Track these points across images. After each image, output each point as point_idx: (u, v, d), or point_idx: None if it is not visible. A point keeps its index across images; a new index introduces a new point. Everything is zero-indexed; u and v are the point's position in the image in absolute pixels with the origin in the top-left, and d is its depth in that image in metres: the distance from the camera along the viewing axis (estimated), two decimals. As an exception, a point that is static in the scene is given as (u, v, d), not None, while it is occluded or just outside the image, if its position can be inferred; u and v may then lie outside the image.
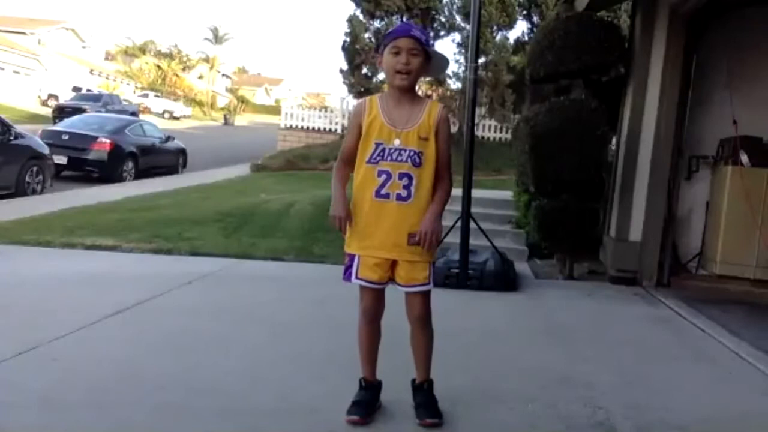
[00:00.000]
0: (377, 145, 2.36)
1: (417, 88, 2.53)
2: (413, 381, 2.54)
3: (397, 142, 2.36)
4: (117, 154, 12.80)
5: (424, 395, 2.49)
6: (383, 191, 2.36)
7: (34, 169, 9.69)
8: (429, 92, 19.79)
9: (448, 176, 2.47)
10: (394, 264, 2.41)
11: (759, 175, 5.34)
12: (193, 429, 2.42)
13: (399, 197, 2.35)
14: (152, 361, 3.07)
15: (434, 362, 2.51)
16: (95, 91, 33.79)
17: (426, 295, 2.46)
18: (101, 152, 12.55)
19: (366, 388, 2.52)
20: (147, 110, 34.53)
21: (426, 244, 2.35)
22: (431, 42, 2.45)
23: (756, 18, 5.47)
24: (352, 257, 2.43)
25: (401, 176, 2.35)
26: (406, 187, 2.36)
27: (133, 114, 25.16)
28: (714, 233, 5.56)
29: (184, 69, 50.39)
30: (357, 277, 2.41)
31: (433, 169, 2.39)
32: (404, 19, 18.79)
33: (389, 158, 2.35)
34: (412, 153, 2.35)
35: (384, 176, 2.36)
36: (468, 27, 14.19)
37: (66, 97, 31.49)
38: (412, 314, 2.46)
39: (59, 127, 14.20)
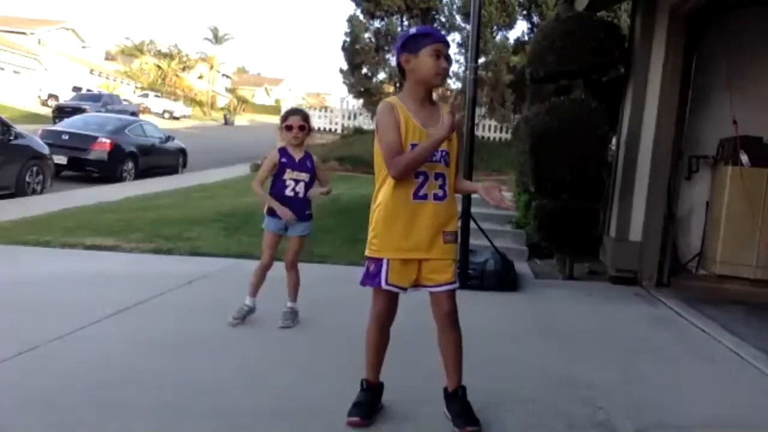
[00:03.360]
0: (413, 146, 2.35)
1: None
2: (445, 389, 2.50)
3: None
4: (117, 154, 12.79)
5: (460, 403, 2.45)
6: (421, 192, 2.38)
7: (34, 169, 9.68)
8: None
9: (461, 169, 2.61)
10: (419, 267, 2.42)
11: (759, 175, 5.34)
12: (193, 429, 2.42)
13: (436, 197, 2.40)
14: (152, 361, 3.07)
15: (433, 362, 2.51)
16: (95, 91, 33.79)
17: (454, 293, 2.48)
18: (101, 152, 12.54)
19: (368, 389, 2.52)
20: (147, 110, 34.52)
21: (497, 194, 2.42)
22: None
23: (756, 18, 5.47)
24: (379, 262, 2.40)
25: (437, 176, 2.39)
26: (442, 187, 2.41)
27: (133, 114, 25.14)
28: (714, 233, 5.56)
29: (184, 69, 50.37)
30: (387, 283, 2.39)
31: (454, 166, 2.48)
32: (404, 19, 18.81)
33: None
34: (443, 153, 2.40)
35: (421, 177, 2.37)
36: (468, 27, 14.19)
37: (66, 97, 31.49)
38: (441, 312, 2.45)
39: (59, 127, 14.18)
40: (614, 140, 6.01)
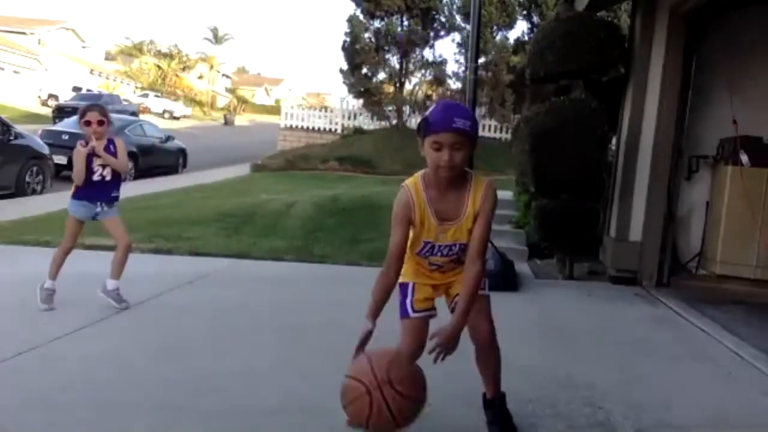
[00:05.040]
0: (426, 243, 2.22)
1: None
2: (484, 395, 2.48)
3: (445, 239, 2.21)
4: (117, 154, 12.79)
5: (497, 411, 2.44)
6: (435, 269, 2.33)
7: (34, 169, 9.69)
8: (429, 92, 19.81)
9: (482, 260, 2.18)
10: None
11: (759, 175, 5.33)
12: (193, 429, 2.42)
13: (452, 270, 2.32)
14: (152, 361, 3.07)
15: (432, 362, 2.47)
16: (95, 91, 33.80)
17: (488, 304, 2.36)
18: (101, 152, 12.54)
19: None
20: (147, 110, 34.52)
21: (438, 355, 2.11)
22: (476, 122, 2.19)
23: (756, 18, 5.46)
24: (404, 287, 2.31)
25: (453, 262, 2.29)
26: (457, 261, 2.29)
27: (133, 114, 25.14)
28: (714, 233, 5.56)
29: (183, 69, 50.38)
30: (414, 310, 2.30)
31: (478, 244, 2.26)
32: (404, 19, 18.82)
33: (439, 254, 2.25)
34: (462, 246, 2.22)
35: (435, 267, 2.31)
36: (468, 27, 14.19)
37: (66, 97, 31.47)
38: (480, 331, 2.32)
39: (59, 127, 14.18)
40: (614, 140, 6.01)
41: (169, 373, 2.92)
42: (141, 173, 13.44)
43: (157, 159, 14.71)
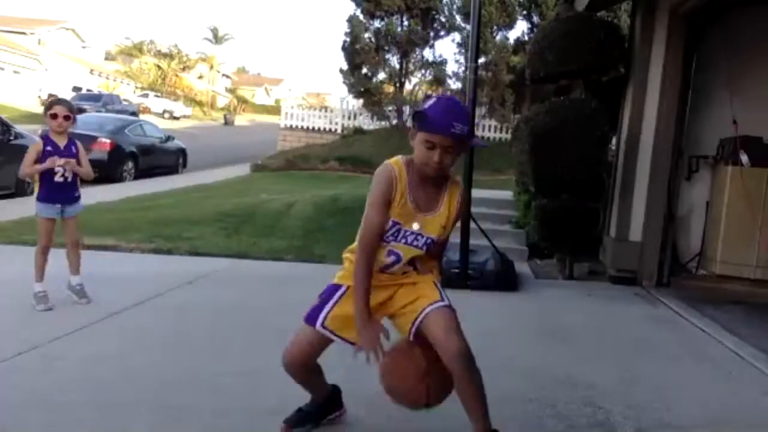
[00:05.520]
0: (394, 224, 2.08)
1: None
2: None
3: (416, 226, 2.10)
4: (117, 154, 12.79)
5: None
6: (389, 271, 2.16)
7: (34, 169, 9.66)
8: (429, 92, 19.80)
9: (440, 261, 2.27)
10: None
11: (759, 175, 5.34)
12: (193, 429, 2.42)
13: (404, 273, 2.18)
14: (152, 361, 3.07)
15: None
16: (95, 91, 33.80)
17: (454, 316, 2.08)
18: (101, 152, 12.53)
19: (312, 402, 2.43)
20: (147, 110, 34.52)
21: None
22: (470, 125, 2.17)
23: (756, 18, 5.47)
24: (333, 290, 2.20)
25: (411, 261, 2.15)
26: (411, 263, 2.17)
27: (133, 114, 25.16)
28: (714, 233, 5.56)
29: (183, 69, 50.37)
30: (323, 325, 2.15)
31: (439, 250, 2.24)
32: (404, 19, 18.82)
33: (403, 241, 2.10)
34: (429, 241, 2.12)
35: (393, 257, 2.12)
36: (468, 27, 14.18)
37: (66, 97, 31.42)
38: (449, 351, 1.99)
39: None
40: (614, 140, 6.02)
41: (169, 373, 2.92)
42: (141, 173, 13.44)
43: (157, 159, 14.70)
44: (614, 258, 5.60)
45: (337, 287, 2.20)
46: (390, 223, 2.08)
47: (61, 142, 3.93)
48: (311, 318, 2.18)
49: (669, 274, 5.57)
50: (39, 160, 3.89)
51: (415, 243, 2.11)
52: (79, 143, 4.06)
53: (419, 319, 2.07)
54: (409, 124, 2.18)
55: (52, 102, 4.03)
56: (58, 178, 3.91)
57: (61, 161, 3.86)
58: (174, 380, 2.83)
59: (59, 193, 3.94)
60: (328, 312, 2.16)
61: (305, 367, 2.28)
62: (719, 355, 3.71)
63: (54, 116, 3.89)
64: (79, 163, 4.01)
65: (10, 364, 2.91)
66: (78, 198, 4.07)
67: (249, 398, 2.68)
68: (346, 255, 2.25)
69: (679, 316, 4.59)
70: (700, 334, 4.13)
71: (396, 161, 2.11)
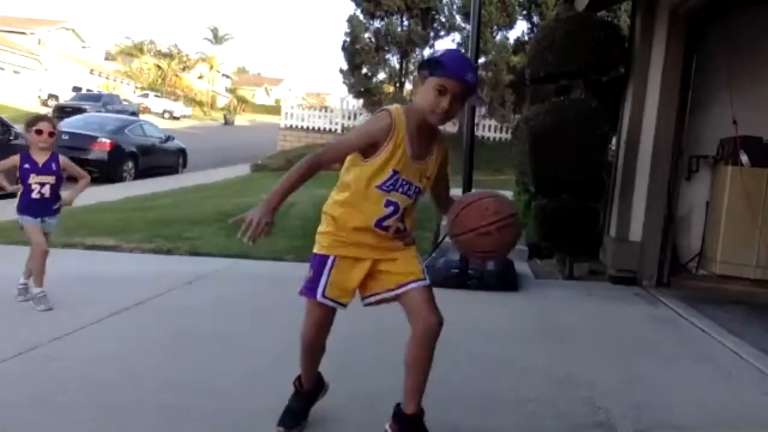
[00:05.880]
0: (394, 173, 2.09)
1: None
2: (398, 409, 2.19)
3: (408, 173, 2.13)
4: (117, 154, 12.81)
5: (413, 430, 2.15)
6: (385, 223, 2.13)
7: (34, 169, 9.66)
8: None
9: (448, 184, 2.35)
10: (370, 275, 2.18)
11: (759, 175, 5.34)
12: (193, 429, 2.42)
13: (397, 230, 2.17)
14: (152, 361, 3.07)
15: (434, 364, 2.43)
16: (95, 91, 33.80)
17: (433, 294, 2.15)
18: (101, 152, 12.56)
19: (298, 394, 2.43)
20: (147, 110, 34.53)
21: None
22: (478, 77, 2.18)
23: (756, 18, 5.46)
24: (321, 260, 2.18)
25: (402, 215, 2.16)
26: (402, 220, 2.17)
27: (133, 114, 25.16)
28: (714, 233, 5.56)
29: (183, 69, 50.39)
30: (324, 295, 2.14)
31: (442, 192, 2.32)
32: (404, 19, 18.84)
33: (400, 189, 2.11)
34: (417, 189, 2.16)
35: (392, 208, 2.12)
36: (468, 27, 14.18)
37: (66, 97, 31.50)
38: (429, 323, 2.07)
39: (59, 127, 14.18)
40: (614, 140, 6.02)
41: (169, 373, 2.92)
42: (141, 173, 13.44)
43: (157, 159, 14.71)
44: (614, 258, 5.60)
45: (324, 258, 2.19)
46: (390, 172, 2.08)
47: (41, 158, 3.88)
48: (310, 290, 2.17)
49: (669, 274, 5.57)
50: (21, 178, 3.88)
51: (408, 192, 2.13)
52: (61, 157, 3.99)
53: (402, 290, 2.13)
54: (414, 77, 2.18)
55: (37, 118, 4.00)
56: (35, 195, 3.88)
57: (13, 189, 3.89)
58: (174, 380, 2.82)
59: (38, 207, 3.92)
60: (326, 282, 2.15)
61: (319, 342, 2.29)
62: (719, 355, 3.71)
63: (39, 132, 3.86)
64: (60, 179, 3.97)
65: (10, 364, 2.91)
66: (57, 211, 4.04)
67: (249, 398, 2.68)
68: (324, 211, 2.28)
69: (679, 316, 4.59)
70: (700, 334, 4.13)
71: (396, 108, 2.12)
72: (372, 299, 2.21)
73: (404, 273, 2.15)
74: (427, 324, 2.07)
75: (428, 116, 2.07)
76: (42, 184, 3.89)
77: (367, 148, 2.08)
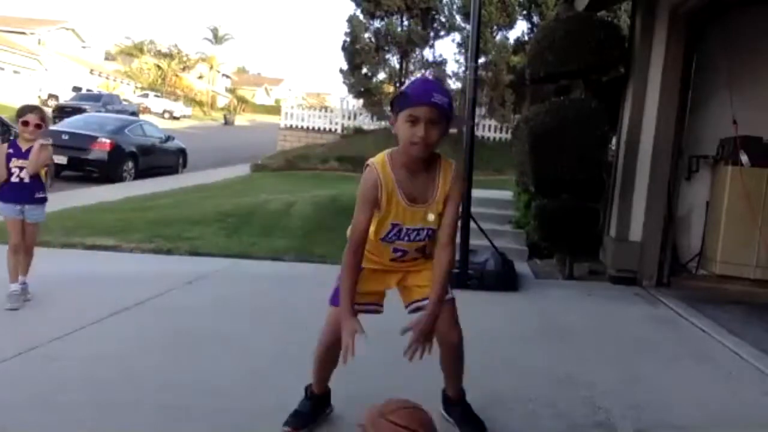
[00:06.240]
0: (394, 225, 2.11)
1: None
2: (445, 395, 2.46)
3: (414, 221, 2.11)
4: (117, 154, 12.80)
5: (465, 409, 2.43)
6: (399, 260, 2.23)
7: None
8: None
9: (452, 243, 2.13)
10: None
11: (759, 175, 5.34)
12: (193, 429, 2.42)
13: (414, 259, 2.23)
14: (152, 361, 3.07)
15: (432, 362, 2.40)
16: (95, 91, 33.79)
17: (454, 308, 2.24)
18: (101, 152, 12.55)
19: (310, 398, 2.45)
20: (147, 110, 34.52)
21: (415, 352, 2.00)
22: (453, 100, 2.07)
23: (756, 18, 5.47)
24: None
25: (418, 250, 2.20)
26: (420, 250, 2.21)
27: (133, 114, 25.16)
28: (714, 233, 5.56)
29: (183, 69, 50.37)
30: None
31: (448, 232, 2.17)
32: (404, 19, 18.82)
33: (406, 238, 2.14)
34: (429, 231, 2.14)
35: (399, 253, 2.20)
36: (468, 27, 14.20)
37: (66, 97, 31.48)
38: (450, 340, 2.22)
39: (59, 127, 14.18)
40: (614, 140, 6.02)
41: (169, 373, 2.92)
42: (141, 173, 13.44)
43: (157, 159, 14.70)
44: (614, 258, 5.60)
45: None
46: (389, 226, 2.10)
47: (25, 146, 3.92)
48: (334, 297, 2.20)
49: (669, 274, 5.57)
50: (5, 162, 3.90)
51: (417, 238, 2.14)
52: (37, 145, 3.92)
53: (423, 305, 2.14)
54: (389, 115, 2.09)
55: (24, 109, 4.01)
56: (14, 179, 3.91)
57: None
58: (174, 380, 2.83)
59: (17, 193, 3.92)
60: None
61: (336, 348, 2.19)
62: (719, 355, 3.71)
63: (25, 123, 3.90)
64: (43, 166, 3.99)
65: (10, 364, 2.91)
66: (40, 200, 4.02)
67: (249, 398, 2.68)
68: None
69: (679, 316, 4.59)
70: (700, 334, 4.13)
71: (379, 160, 2.10)
72: (410, 307, 2.27)
73: (427, 286, 2.15)
74: (448, 341, 2.21)
75: (409, 150, 2.01)
76: (21, 168, 3.90)
77: (376, 205, 2.08)
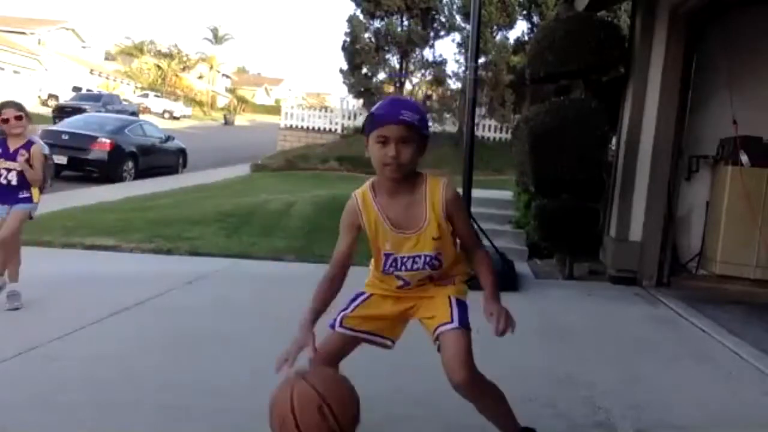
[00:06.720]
0: (387, 256, 1.99)
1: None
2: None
3: (407, 249, 1.98)
4: (117, 154, 12.81)
5: None
6: (404, 289, 2.07)
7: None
8: (429, 92, 19.82)
9: (481, 246, 2.10)
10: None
11: (759, 175, 5.34)
12: (193, 429, 2.42)
13: (421, 285, 2.08)
14: (152, 361, 3.07)
15: (433, 362, 2.41)
16: (95, 91, 33.79)
17: (462, 339, 1.99)
18: (101, 152, 12.56)
19: None
20: (147, 110, 34.52)
21: (503, 323, 2.00)
22: (428, 118, 2.00)
23: (756, 18, 5.46)
24: (357, 296, 2.11)
25: (422, 279, 2.04)
26: (430, 280, 2.07)
27: (133, 114, 25.16)
28: (714, 233, 5.56)
29: (183, 69, 50.36)
30: (341, 325, 2.06)
31: (453, 254, 2.07)
32: (404, 19, 18.83)
33: (403, 268, 2.00)
34: (428, 258, 1.98)
35: (401, 282, 2.05)
36: (468, 27, 14.20)
37: (66, 97, 31.49)
38: (453, 382, 1.95)
39: (59, 127, 14.20)
40: (614, 140, 6.02)
41: (169, 373, 2.92)
42: (141, 173, 13.44)
43: (157, 159, 14.71)
44: (614, 258, 5.59)
45: (361, 293, 2.13)
46: (383, 257, 1.99)
47: (13, 145, 3.83)
48: (332, 322, 2.09)
49: (669, 274, 5.57)
50: None
51: (414, 267, 1.99)
52: (35, 147, 3.87)
53: (436, 334, 2.00)
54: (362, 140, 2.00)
55: (1, 105, 3.90)
56: (1, 180, 3.83)
57: None
58: (174, 380, 2.83)
59: (4, 195, 3.84)
60: (348, 313, 2.08)
61: (332, 365, 2.13)
62: (719, 355, 3.71)
63: (5, 120, 3.80)
64: (30, 165, 3.85)
65: (10, 364, 2.91)
66: (24, 200, 3.90)
67: (249, 398, 2.67)
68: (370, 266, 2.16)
69: (679, 316, 4.59)
70: (700, 334, 4.13)
71: (361, 189, 2.03)
72: (436, 343, 2.06)
73: (435, 317, 2.02)
74: (455, 383, 1.95)
75: (383, 172, 1.92)
76: (8, 170, 3.83)
77: (354, 233, 2.01)
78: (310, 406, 1.73)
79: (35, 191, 3.93)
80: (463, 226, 2.03)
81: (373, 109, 1.94)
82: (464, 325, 2.00)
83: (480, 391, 2.02)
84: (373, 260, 2.07)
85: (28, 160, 3.82)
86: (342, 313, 2.08)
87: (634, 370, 3.35)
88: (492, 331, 1.97)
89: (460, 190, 4.89)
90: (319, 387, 1.76)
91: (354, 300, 2.11)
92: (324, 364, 2.08)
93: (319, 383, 1.77)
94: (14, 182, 3.85)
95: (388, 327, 2.11)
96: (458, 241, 2.07)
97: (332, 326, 2.09)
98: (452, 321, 1.98)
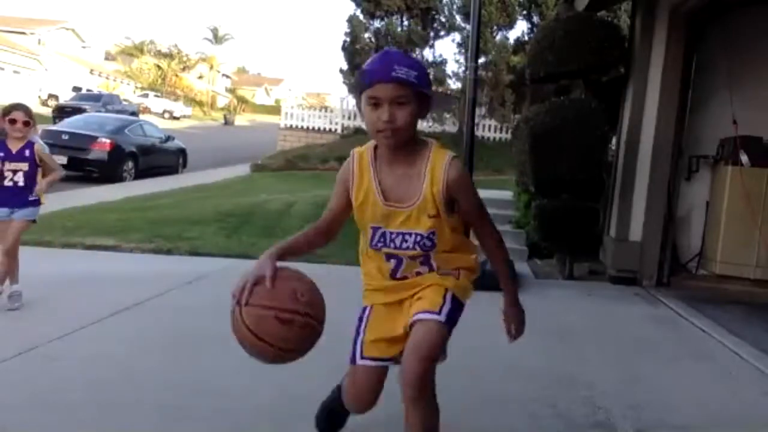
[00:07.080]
0: (375, 229, 1.78)
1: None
2: None
3: (396, 224, 1.76)
4: (117, 154, 12.81)
5: None
6: (399, 275, 1.83)
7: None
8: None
9: (492, 234, 1.91)
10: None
11: (759, 175, 5.34)
12: (193, 429, 2.42)
13: (419, 274, 1.84)
14: (152, 361, 3.07)
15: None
16: (95, 91, 33.79)
17: (436, 334, 1.73)
18: (101, 152, 12.56)
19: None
20: (147, 110, 34.52)
21: (514, 330, 1.95)
22: (426, 73, 1.74)
23: (756, 18, 5.47)
24: (361, 313, 1.93)
25: (413, 258, 1.80)
26: (425, 263, 1.82)
27: (133, 114, 25.16)
28: (714, 233, 5.56)
29: (183, 69, 50.37)
30: (363, 356, 1.85)
31: (456, 238, 1.86)
32: (404, 19, 18.84)
33: (392, 245, 1.78)
34: (419, 238, 1.75)
35: (394, 261, 1.81)
36: (468, 27, 14.19)
37: (66, 97, 31.49)
38: (403, 373, 1.70)
39: (59, 127, 14.20)
40: (614, 140, 6.02)
41: (169, 373, 2.92)
42: (141, 173, 13.45)
43: (157, 159, 14.71)
44: (614, 258, 5.60)
45: (362, 311, 1.93)
46: (370, 229, 1.78)
47: (15, 146, 3.78)
48: (352, 353, 1.89)
49: (669, 274, 5.58)
50: None
51: (404, 245, 1.76)
52: (37, 145, 3.86)
53: (411, 319, 1.78)
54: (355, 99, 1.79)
55: (11, 107, 3.86)
56: (6, 183, 3.78)
57: None
58: (174, 380, 2.82)
59: (9, 196, 3.79)
60: (363, 341, 1.87)
61: (363, 407, 1.97)
62: (719, 355, 3.71)
63: (13, 122, 3.76)
64: (34, 167, 3.83)
65: (10, 364, 2.91)
66: (33, 203, 3.87)
67: (249, 398, 2.68)
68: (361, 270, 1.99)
69: (679, 316, 4.59)
70: (700, 334, 4.13)
71: (362, 147, 1.81)
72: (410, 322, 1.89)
73: (422, 299, 1.81)
74: (405, 375, 1.71)
75: (377, 139, 1.71)
76: (14, 171, 3.78)
77: (345, 194, 1.81)
78: (263, 320, 1.66)
79: (41, 194, 3.90)
80: (470, 209, 1.79)
81: (365, 65, 1.70)
82: (448, 323, 1.77)
83: (425, 401, 1.74)
84: (362, 255, 1.91)
85: (29, 158, 3.82)
86: (359, 341, 1.88)
87: (634, 370, 3.35)
88: (506, 335, 2.01)
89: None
90: (265, 301, 1.67)
91: (360, 321, 1.92)
92: (360, 401, 1.93)
93: (260, 298, 1.68)
94: (21, 183, 3.80)
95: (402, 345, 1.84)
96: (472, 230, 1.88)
97: (353, 360, 1.88)
98: (437, 313, 1.75)
